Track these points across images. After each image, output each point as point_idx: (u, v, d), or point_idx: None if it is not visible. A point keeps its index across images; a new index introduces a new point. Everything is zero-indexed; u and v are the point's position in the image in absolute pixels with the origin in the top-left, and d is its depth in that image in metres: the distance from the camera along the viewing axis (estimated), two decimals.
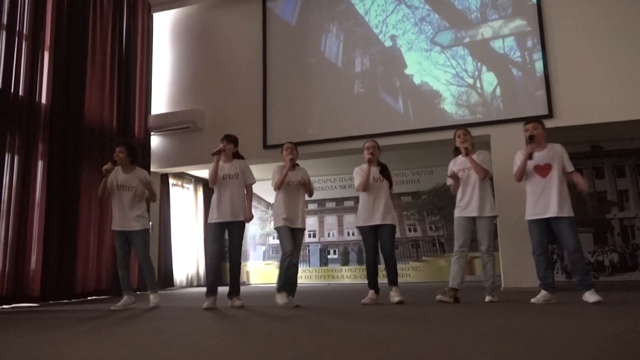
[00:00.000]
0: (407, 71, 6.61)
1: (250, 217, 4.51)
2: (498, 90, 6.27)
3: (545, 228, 4.07)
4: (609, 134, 6.72)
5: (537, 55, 6.11)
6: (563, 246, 4.04)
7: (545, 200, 4.02)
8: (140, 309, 4.38)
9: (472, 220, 4.40)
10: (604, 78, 5.84)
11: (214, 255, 4.40)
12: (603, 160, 7.32)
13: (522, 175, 4.17)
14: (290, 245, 4.29)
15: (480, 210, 4.34)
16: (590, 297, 3.78)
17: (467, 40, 6.41)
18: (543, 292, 4.05)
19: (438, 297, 4.35)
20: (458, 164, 4.54)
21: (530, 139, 4.10)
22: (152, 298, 4.58)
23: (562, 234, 3.95)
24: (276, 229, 4.42)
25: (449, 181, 4.53)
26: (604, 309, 3.43)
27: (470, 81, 6.40)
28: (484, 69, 6.36)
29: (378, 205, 4.47)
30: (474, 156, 4.42)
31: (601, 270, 7.02)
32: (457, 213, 4.49)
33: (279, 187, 4.41)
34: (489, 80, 6.28)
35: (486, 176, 4.39)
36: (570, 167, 4.07)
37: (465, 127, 4.71)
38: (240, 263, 4.51)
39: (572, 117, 5.94)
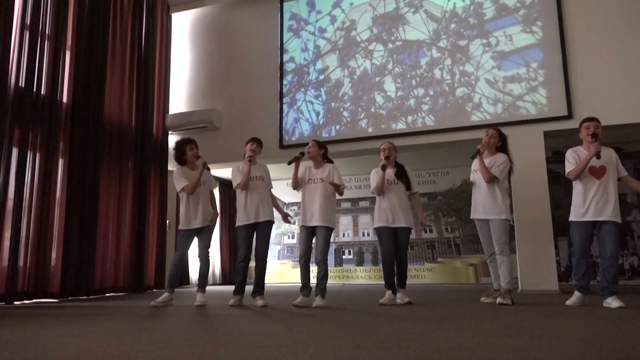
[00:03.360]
0: (429, 67, 6.55)
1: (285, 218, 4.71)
2: (516, 91, 6.20)
3: (590, 231, 3.98)
4: (629, 136, 6.62)
5: (557, 56, 6.04)
6: (600, 250, 3.93)
7: (601, 203, 3.92)
8: (156, 306, 4.42)
9: (486, 222, 4.40)
10: (624, 79, 5.76)
11: (243, 257, 4.47)
12: (623, 162, 7.13)
13: (581, 173, 4.01)
14: (302, 250, 4.42)
15: (487, 212, 4.32)
16: (613, 302, 3.74)
17: (485, 41, 6.35)
18: (577, 294, 4.01)
19: (482, 298, 4.45)
20: (476, 163, 4.54)
21: (594, 137, 3.97)
22: (199, 297, 4.53)
23: (605, 238, 3.87)
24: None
25: (464, 181, 4.63)
26: (624, 312, 3.39)
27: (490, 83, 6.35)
28: (503, 70, 6.30)
29: (393, 208, 4.48)
30: (489, 159, 4.41)
31: (621, 274, 6.91)
32: (471, 215, 4.54)
33: (294, 186, 4.51)
34: (508, 82, 6.22)
35: (490, 180, 4.30)
36: (623, 172, 4.03)
37: (497, 129, 4.56)
38: (266, 262, 4.53)
39: None
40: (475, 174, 4.47)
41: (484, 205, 4.34)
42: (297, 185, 4.49)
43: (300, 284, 4.44)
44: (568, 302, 4.02)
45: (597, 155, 3.89)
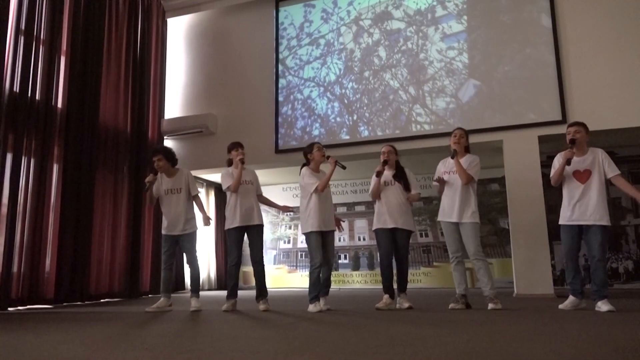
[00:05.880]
0: (423, 71, 6.92)
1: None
2: (511, 96, 6.25)
3: (578, 234, 3.97)
4: (623, 140, 6.65)
5: (551, 61, 6.09)
6: (588, 253, 3.92)
7: (584, 206, 3.91)
8: (155, 312, 4.40)
9: (455, 225, 4.29)
10: (618, 83, 5.79)
11: (235, 261, 4.48)
12: (617, 167, 7.21)
13: (559, 179, 4.05)
14: (320, 257, 4.24)
15: (459, 215, 4.23)
16: (603, 306, 3.73)
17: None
18: (571, 298, 4.00)
19: (450, 305, 4.27)
20: (447, 165, 4.44)
21: (571, 143, 3.98)
22: (194, 302, 4.51)
23: (592, 242, 3.86)
24: (307, 234, 4.33)
25: (435, 183, 4.45)
26: (619, 316, 3.39)
27: (484, 88, 6.43)
28: (499, 73, 6.37)
29: (391, 210, 4.40)
30: (463, 159, 4.32)
31: (616, 278, 6.93)
32: (439, 217, 4.41)
33: (322, 189, 4.29)
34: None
35: (469, 182, 4.24)
36: (612, 172, 3.94)
37: (462, 129, 4.53)
38: (264, 265, 4.56)
39: (585, 122, 5.87)
40: (450, 175, 4.35)
41: (458, 207, 4.22)
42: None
43: (306, 291, 4.44)
44: (561, 306, 4.01)
45: (568, 162, 3.92)
